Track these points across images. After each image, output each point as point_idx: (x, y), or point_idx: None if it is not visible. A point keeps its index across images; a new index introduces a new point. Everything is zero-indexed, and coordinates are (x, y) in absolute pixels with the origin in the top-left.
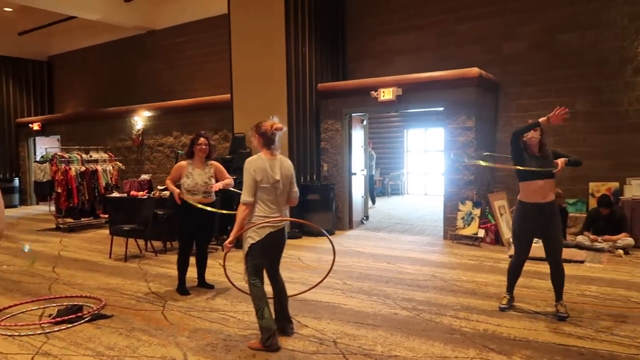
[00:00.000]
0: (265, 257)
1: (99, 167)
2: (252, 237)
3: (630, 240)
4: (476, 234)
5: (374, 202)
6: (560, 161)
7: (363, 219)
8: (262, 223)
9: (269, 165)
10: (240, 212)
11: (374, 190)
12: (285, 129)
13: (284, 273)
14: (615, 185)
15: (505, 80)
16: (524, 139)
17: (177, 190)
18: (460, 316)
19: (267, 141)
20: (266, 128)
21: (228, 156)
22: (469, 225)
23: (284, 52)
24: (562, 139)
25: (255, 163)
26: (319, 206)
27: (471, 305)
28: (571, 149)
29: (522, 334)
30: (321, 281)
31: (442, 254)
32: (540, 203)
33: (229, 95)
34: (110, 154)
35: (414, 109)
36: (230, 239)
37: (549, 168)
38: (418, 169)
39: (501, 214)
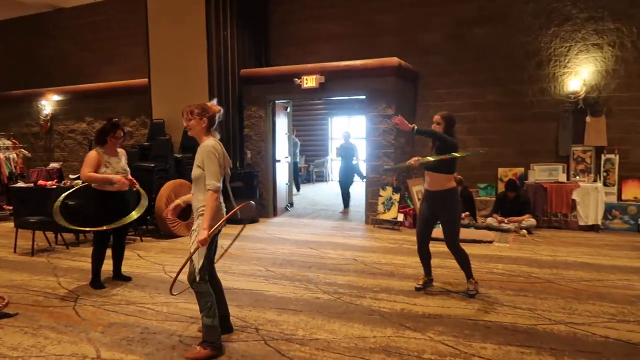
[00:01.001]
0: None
1: (1, 155)
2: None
3: (533, 221)
4: (396, 218)
5: (298, 189)
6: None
7: (287, 205)
8: (231, 213)
9: (223, 151)
10: (213, 201)
11: (299, 177)
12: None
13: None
14: (520, 170)
15: (423, 70)
16: None
17: (118, 177)
18: (379, 297)
19: (212, 125)
20: (214, 111)
21: (146, 143)
22: (389, 210)
23: (205, 36)
24: (474, 127)
25: (218, 148)
26: (243, 194)
27: (390, 286)
28: (482, 136)
29: (435, 311)
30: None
31: (364, 238)
32: (429, 191)
33: (146, 79)
34: (14, 140)
35: (336, 97)
36: (208, 232)
37: (429, 161)
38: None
39: (419, 199)
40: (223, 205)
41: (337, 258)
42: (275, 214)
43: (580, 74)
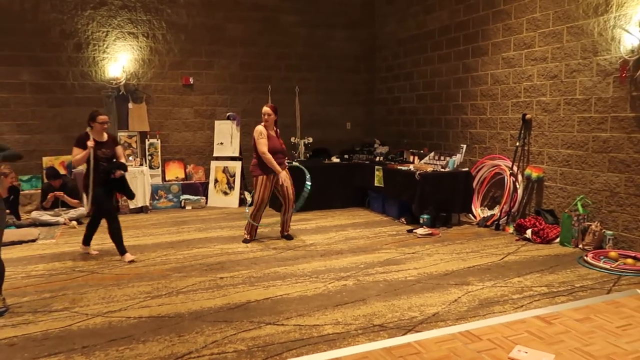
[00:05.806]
0: None
1: None
2: None
3: (82, 211)
4: None
5: None
6: None
7: None
8: None
9: None
10: None
11: None
12: None
13: None
14: (69, 158)
15: None
16: None
17: None
18: None
19: None
20: None
21: None
22: None
23: None
24: (9, 112)
25: None
26: None
27: None
28: (20, 122)
29: None
30: None
31: None
32: None
33: None
34: None
35: None
36: None
37: None
38: None
39: None
40: None
41: None
42: None
43: (119, 61)
